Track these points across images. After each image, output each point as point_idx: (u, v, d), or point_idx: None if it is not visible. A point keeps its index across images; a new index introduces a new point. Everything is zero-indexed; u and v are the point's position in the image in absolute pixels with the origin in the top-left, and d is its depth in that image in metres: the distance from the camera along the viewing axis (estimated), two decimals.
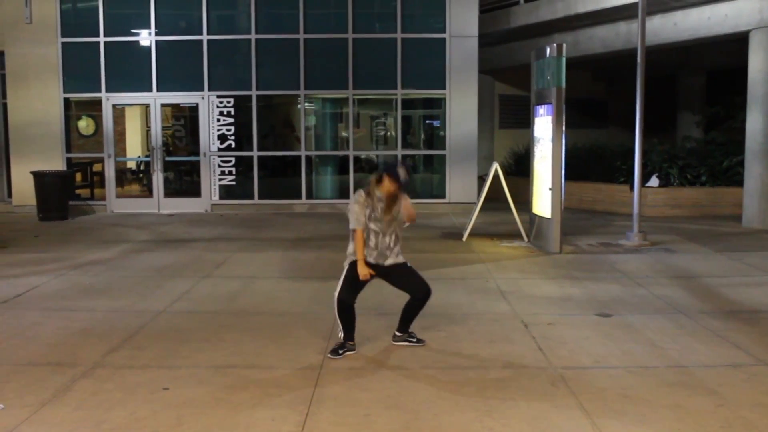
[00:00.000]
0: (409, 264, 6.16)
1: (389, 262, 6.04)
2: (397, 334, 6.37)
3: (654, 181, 15.11)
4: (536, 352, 6.13)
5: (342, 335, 6.11)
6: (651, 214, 14.42)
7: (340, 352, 6.03)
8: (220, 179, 16.19)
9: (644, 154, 12.09)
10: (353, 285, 6.01)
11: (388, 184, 5.86)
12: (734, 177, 15.27)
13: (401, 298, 6.14)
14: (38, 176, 15.07)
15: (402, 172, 5.81)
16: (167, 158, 16.56)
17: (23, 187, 15.80)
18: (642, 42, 11.35)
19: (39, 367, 5.80)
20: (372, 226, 5.95)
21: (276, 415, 4.80)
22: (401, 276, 6.14)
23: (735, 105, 17.62)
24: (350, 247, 6.07)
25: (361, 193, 5.97)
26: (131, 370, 5.70)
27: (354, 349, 6.09)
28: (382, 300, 7.61)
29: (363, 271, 5.91)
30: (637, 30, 11.53)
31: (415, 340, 6.34)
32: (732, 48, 16.97)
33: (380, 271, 6.06)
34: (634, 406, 4.93)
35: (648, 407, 4.92)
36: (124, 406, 4.96)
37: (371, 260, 5.99)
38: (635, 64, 11.42)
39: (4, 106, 16.59)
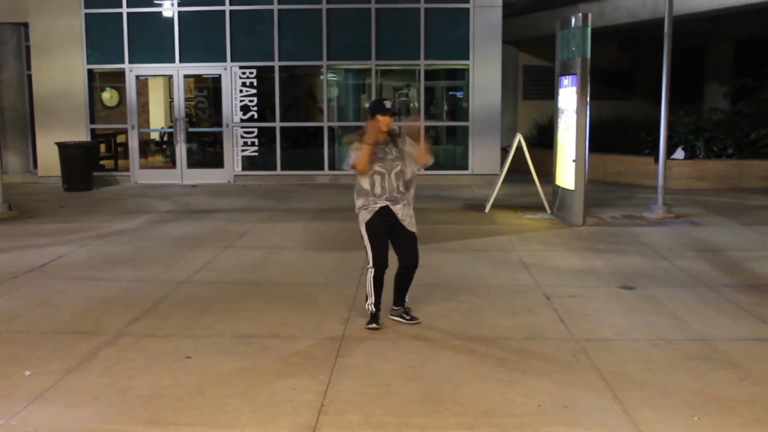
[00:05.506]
0: (416, 233, 5.95)
1: (399, 212, 5.82)
2: (394, 308, 6.13)
3: (679, 153, 14.91)
4: (558, 324, 6.11)
5: (373, 307, 5.97)
6: (676, 186, 14.25)
7: (376, 325, 5.92)
8: (242, 150, 16.21)
9: (670, 126, 11.90)
10: (378, 244, 5.85)
11: (383, 120, 5.74)
12: (762, 149, 15.03)
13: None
14: (63, 147, 15.18)
15: (388, 102, 5.84)
16: (190, 129, 16.63)
17: (48, 158, 15.92)
18: (669, 11, 11.11)
19: (64, 335, 5.89)
20: (376, 167, 5.83)
21: (298, 385, 4.83)
22: (401, 236, 5.89)
23: (764, 76, 17.31)
24: (358, 202, 5.98)
25: (356, 143, 5.85)
26: (154, 339, 5.76)
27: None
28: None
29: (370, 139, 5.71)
30: None
31: (408, 317, 6.09)
32: (762, 17, 16.65)
33: (389, 222, 5.85)
34: (656, 379, 4.91)
35: (670, 380, 4.90)
36: (147, 374, 5.02)
37: (380, 204, 5.82)
38: (662, 35, 11.20)
39: (29, 77, 16.66)
